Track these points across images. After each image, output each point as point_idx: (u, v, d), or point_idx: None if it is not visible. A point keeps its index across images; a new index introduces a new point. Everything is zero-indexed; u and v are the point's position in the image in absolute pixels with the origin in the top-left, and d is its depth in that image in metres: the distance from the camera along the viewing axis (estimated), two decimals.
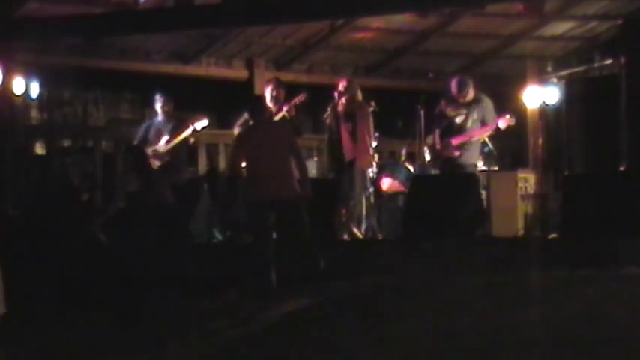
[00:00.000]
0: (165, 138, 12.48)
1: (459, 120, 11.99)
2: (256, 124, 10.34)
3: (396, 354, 7.60)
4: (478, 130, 11.94)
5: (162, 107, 12.65)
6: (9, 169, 13.47)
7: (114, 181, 10.83)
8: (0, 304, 4.67)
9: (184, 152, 12.80)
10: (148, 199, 10.39)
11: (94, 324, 9.72)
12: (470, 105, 12.01)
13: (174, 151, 12.44)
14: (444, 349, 7.52)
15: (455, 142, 11.95)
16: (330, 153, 12.37)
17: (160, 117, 12.70)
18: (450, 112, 12.03)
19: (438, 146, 12.04)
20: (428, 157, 12.17)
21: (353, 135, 11.98)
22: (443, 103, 12.12)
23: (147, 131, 12.71)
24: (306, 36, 15.05)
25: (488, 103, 12.04)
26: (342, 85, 12.18)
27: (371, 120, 12.09)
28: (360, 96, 12.19)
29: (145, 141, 12.63)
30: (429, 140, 12.15)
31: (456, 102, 12.05)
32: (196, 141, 13.37)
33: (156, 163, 12.44)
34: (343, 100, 12.06)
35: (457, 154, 11.93)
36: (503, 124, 11.81)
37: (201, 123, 12.38)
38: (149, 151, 12.39)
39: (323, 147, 13.33)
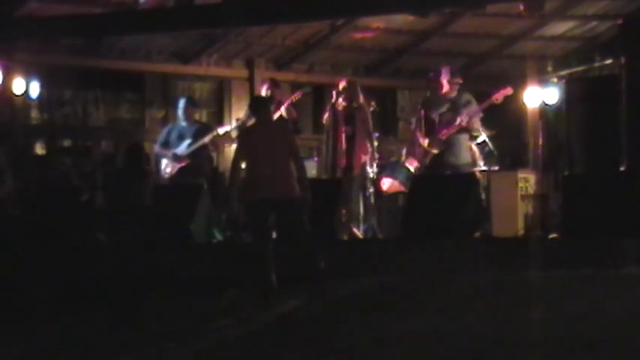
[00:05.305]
0: (187, 142, 12.59)
1: (447, 113, 11.88)
2: (256, 124, 10.32)
3: (397, 354, 7.60)
4: (464, 117, 11.80)
5: (186, 112, 12.76)
6: (9, 169, 13.47)
7: (114, 181, 10.81)
8: None
9: (205, 156, 12.90)
10: (145, 199, 10.37)
11: (93, 324, 9.73)
12: (454, 99, 11.94)
13: (194, 155, 12.58)
14: (445, 348, 7.52)
15: (442, 135, 11.85)
16: (326, 155, 12.30)
17: (183, 121, 12.81)
18: (433, 113, 11.93)
19: (425, 145, 11.93)
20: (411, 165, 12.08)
21: (351, 138, 11.95)
22: (422, 111, 12.02)
23: (169, 134, 12.84)
24: (306, 36, 15.05)
25: (470, 97, 12.00)
26: (341, 86, 12.12)
27: (370, 122, 12.05)
28: (361, 98, 12.12)
29: (167, 144, 12.74)
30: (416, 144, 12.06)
31: (437, 100, 11.96)
32: (217, 146, 13.48)
33: (176, 166, 12.59)
34: (341, 100, 12.02)
35: (444, 148, 11.80)
36: (499, 95, 11.75)
37: (224, 127, 12.64)
38: (169, 153, 12.57)
39: (322, 147, 13.31)
